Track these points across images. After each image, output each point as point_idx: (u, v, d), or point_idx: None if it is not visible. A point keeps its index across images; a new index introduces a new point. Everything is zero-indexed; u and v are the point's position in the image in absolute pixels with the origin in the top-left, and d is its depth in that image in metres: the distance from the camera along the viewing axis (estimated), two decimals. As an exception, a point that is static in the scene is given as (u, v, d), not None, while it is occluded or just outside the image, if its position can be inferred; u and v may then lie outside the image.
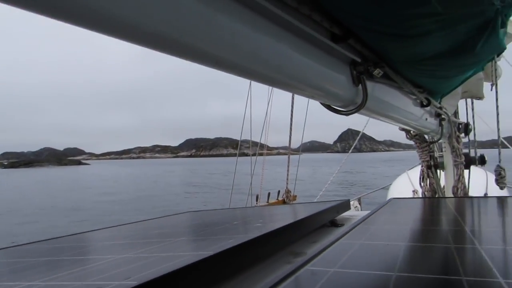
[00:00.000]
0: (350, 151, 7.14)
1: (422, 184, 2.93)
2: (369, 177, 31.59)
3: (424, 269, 0.56)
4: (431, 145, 2.83)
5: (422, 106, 1.96)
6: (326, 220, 1.35)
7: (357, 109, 1.21)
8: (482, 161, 3.31)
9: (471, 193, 3.60)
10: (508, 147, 6.57)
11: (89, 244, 1.27)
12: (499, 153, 2.26)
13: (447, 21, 0.93)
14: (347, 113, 1.24)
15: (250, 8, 0.72)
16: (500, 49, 1.32)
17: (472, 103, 3.75)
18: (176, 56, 0.65)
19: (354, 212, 1.81)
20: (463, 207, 1.41)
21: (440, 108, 2.29)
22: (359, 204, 5.22)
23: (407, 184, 4.65)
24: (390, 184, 5.89)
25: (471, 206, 1.45)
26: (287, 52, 0.85)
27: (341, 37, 0.95)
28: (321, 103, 1.26)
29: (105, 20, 0.50)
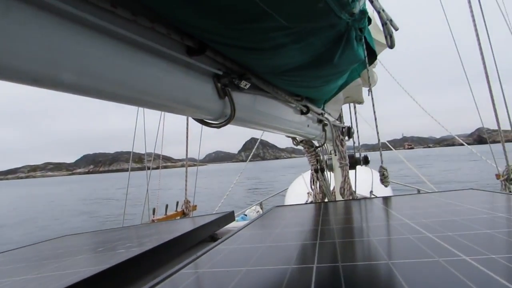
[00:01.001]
0: (249, 159, 7.30)
1: (312, 187, 3.07)
2: (274, 182, 32.78)
3: None
4: (317, 150, 2.98)
5: (302, 113, 2.03)
6: (205, 235, 1.31)
7: (227, 121, 1.19)
8: (365, 161, 3.59)
9: (359, 191, 3.87)
10: (392, 149, 7.30)
11: None
12: (381, 155, 2.44)
13: (298, 34, 0.95)
14: (218, 126, 1.22)
15: (92, 28, 0.66)
16: (359, 60, 1.41)
17: (355, 107, 4.04)
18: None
19: (239, 224, 1.81)
20: (341, 211, 1.47)
21: (321, 114, 2.41)
22: (261, 209, 5.34)
23: (302, 186, 4.87)
24: (287, 188, 6.13)
25: (346, 209, 1.52)
26: (135, 68, 0.79)
27: (196, 50, 0.92)
28: (193, 118, 1.23)
29: None
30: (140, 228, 1.76)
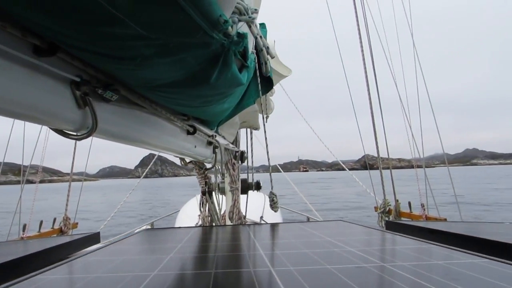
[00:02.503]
0: (144, 174, 7.04)
1: (201, 209, 3.01)
2: (169, 199, 32.16)
3: None
4: (207, 171, 2.94)
5: (189, 133, 1.97)
6: (56, 258, 1.17)
7: (88, 134, 1.08)
8: (257, 186, 3.65)
9: (250, 216, 3.89)
10: (281, 171, 7.65)
11: None
12: (271, 180, 2.48)
13: (165, 47, 0.89)
14: (78, 138, 1.10)
15: None
16: (239, 84, 1.40)
17: (251, 132, 4.12)
18: None
19: (100, 245, 1.67)
20: (212, 237, 1.43)
21: (212, 136, 2.38)
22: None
23: (194, 208, 4.78)
24: (179, 210, 6.00)
25: (218, 236, 1.49)
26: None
27: (45, 51, 0.82)
28: (49, 127, 1.09)
29: None
30: None
